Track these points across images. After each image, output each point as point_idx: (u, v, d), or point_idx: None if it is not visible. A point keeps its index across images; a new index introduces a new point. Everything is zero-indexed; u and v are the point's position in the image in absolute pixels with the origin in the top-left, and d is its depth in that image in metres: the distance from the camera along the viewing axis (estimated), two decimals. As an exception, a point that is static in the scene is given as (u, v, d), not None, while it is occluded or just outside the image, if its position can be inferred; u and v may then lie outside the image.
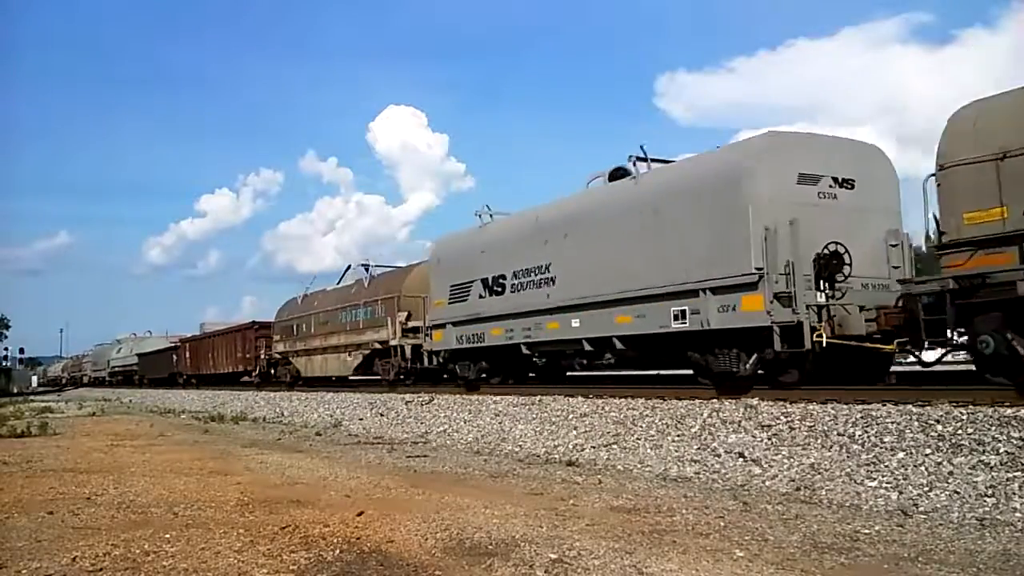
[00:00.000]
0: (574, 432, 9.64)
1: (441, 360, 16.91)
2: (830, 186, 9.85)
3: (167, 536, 4.83)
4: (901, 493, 5.77)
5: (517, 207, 16.16)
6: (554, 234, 13.11)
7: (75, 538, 4.85)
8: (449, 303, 16.03)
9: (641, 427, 9.02)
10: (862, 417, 7.17)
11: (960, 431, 6.34)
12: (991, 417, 6.38)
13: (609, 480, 7.13)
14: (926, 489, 5.72)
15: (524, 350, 13.96)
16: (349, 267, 24.51)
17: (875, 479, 6.11)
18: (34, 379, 78.83)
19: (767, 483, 6.63)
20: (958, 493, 5.54)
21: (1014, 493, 5.34)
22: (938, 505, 5.46)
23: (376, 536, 4.77)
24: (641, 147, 11.83)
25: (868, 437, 6.80)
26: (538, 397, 11.64)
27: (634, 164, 11.99)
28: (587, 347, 12.37)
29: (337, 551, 4.41)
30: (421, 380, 18.44)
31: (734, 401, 8.65)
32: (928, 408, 6.95)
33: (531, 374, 15.96)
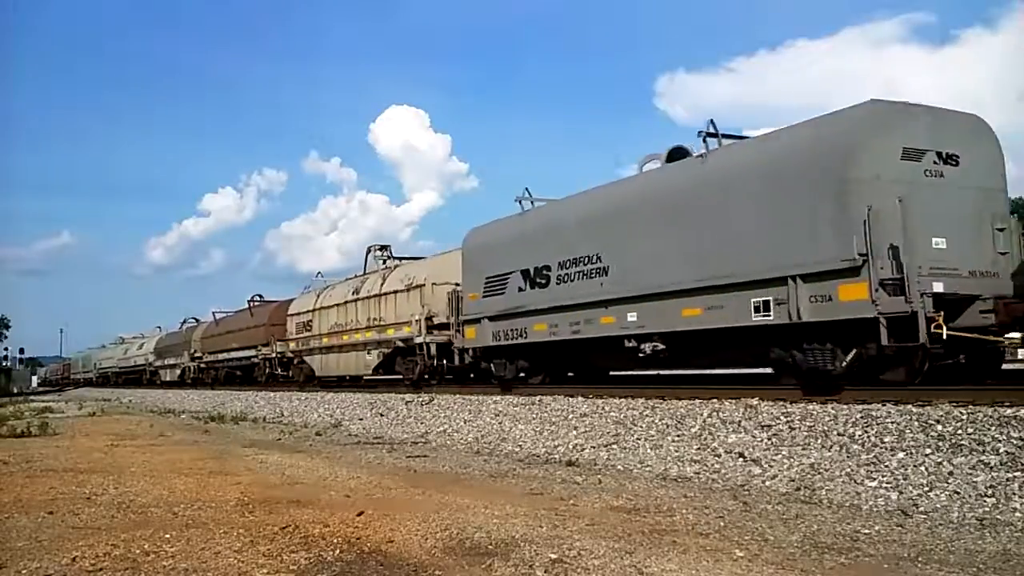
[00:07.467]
0: (574, 432, 9.64)
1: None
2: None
3: (167, 536, 4.83)
4: (901, 493, 5.77)
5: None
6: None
7: (75, 538, 4.85)
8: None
9: (641, 427, 9.02)
10: (862, 417, 7.17)
11: (960, 431, 6.33)
12: (991, 417, 6.38)
13: (609, 480, 7.12)
14: (926, 489, 5.72)
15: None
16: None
17: (875, 479, 6.11)
18: (34, 379, 78.73)
19: (767, 483, 6.62)
20: (958, 493, 5.54)
21: (1014, 493, 5.34)
22: (938, 505, 5.45)
23: (376, 536, 4.77)
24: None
25: (868, 437, 6.79)
26: (538, 397, 11.63)
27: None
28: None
29: (337, 551, 4.40)
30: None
31: (734, 401, 8.64)
32: (928, 408, 6.94)
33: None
